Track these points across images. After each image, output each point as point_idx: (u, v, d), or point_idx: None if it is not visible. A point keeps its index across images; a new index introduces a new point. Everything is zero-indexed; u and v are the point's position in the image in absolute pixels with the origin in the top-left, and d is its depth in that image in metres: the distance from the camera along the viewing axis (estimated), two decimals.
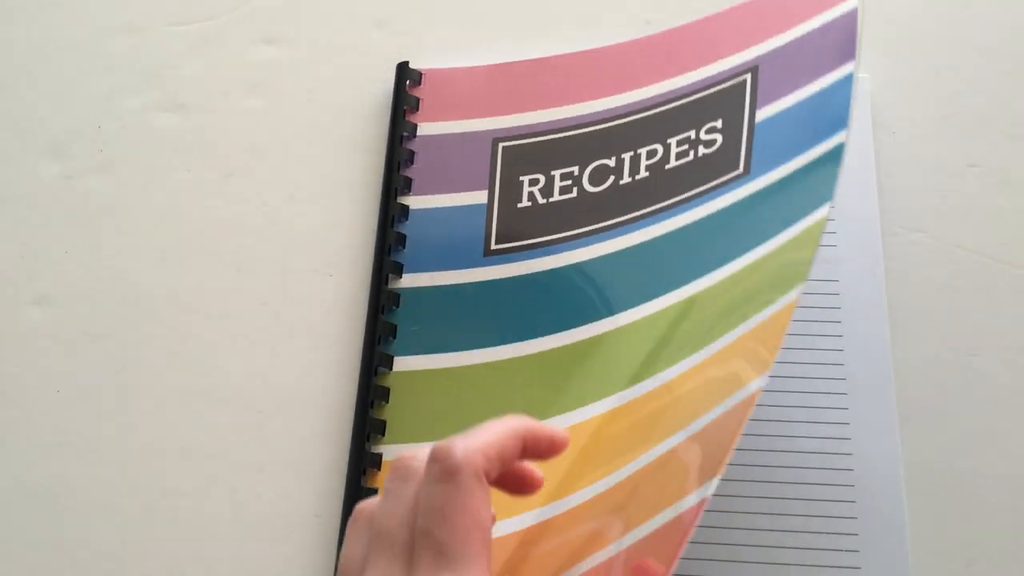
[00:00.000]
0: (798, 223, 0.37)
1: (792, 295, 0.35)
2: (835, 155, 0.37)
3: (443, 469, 0.29)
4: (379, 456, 0.43)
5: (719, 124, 0.45)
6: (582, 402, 0.41)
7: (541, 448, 0.33)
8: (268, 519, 0.43)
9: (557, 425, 0.38)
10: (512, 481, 0.33)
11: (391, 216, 0.47)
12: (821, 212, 0.36)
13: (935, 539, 0.41)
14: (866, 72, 0.49)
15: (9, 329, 0.48)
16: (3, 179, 0.51)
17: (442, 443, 0.29)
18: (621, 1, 0.52)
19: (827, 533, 0.40)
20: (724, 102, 0.45)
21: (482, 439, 0.30)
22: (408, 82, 0.51)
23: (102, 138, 0.52)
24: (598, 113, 0.48)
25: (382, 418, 0.43)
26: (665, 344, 0.41)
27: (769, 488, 0.41)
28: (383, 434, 0.43)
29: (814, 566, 0.40)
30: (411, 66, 0.51)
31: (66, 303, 0.48)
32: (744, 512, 0.41)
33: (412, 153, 0.49)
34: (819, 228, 0.36)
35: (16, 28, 0.55)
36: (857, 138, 0.47)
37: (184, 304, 0.48)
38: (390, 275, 0.46)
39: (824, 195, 0.36)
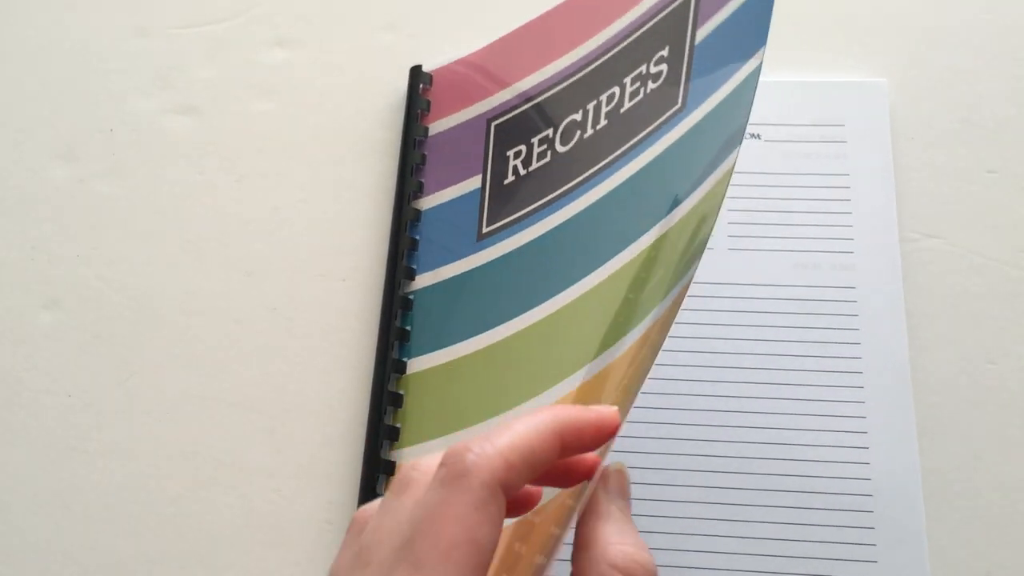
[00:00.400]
0: (711, 176, 0.33)
1: (685, 279, 0.30)
2: (751, 83, 0.33)
3: (448, 472, 0.24)
4: (392, 463, 0.42)
5: (666, 52, 0.40)
6: (576, 368, 0.39)
7: (586, 439, 0.27)
8: (280, 525, 0.43)
9: (568, 390, 0.34)
10: (557, 474, 0.28)
11: (404, 222, 0.47)
12: (730, 160, 0.31)
13: (953, 548, 0.41)
14: (884, 77, 0.48)
15: (19, 333, 0.48)
16: (14, 182, 0.51)
17: (457, 445, 0.25)
18: None
19: (845, 543, 0.40)
20: (672, 24, 0.41)
21: (505, 441, 0.25)
22: (421, 86, 0.50)
23: (113, 141, 0.52)
24: (572, 65, 0.46)
25: (396, 424, 0.43)
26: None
27: (786, 497, 0.41)
28: (397, 440, 0.43)
29: None
30: (424, 69, 0.51)
31: (76, 307, 0.48)
32: (760, 521, 0.41)
33: (424, 156, 0.49)
34: (724, 183, 0.30)
35: (27, 30, 0.55)
36: (874, 142, 0.47)
37: (194, 308, 0.47)
38: (403, 280, 0.46)
39: (735, 140, 0.31)
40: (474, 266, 0.45)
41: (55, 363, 0.47)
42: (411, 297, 0.46)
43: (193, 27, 0.54)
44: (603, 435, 0.28)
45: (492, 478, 0.24)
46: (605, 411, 0.28)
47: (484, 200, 0.46)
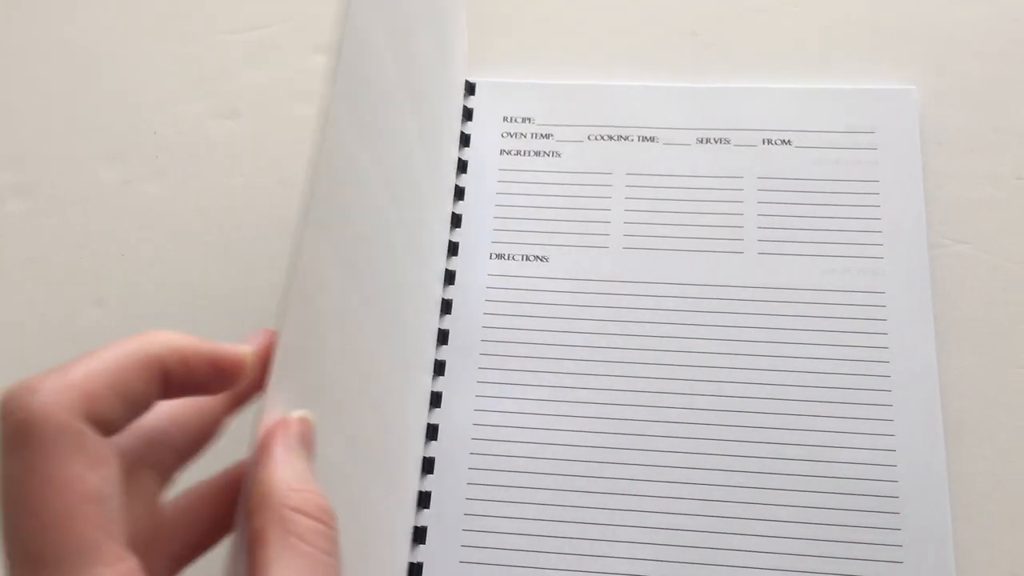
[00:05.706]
0: None
1: None
2: None
3: (14, 428, 0.20)
4: None
5: None
6: None
7: (198, 372, 0.24)
8: None
9: None
10: (194, 382, 0.24)
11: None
12: None
13: (979, 550, 0.41)
14: (914, 83, 0.49)
15: (68, 329, 0.49)
16: (66, 184, 0.53)
17: (17, 385, 0.21)
18: (669, 13, 0.52)
19: (872, 544, 0.41)
20: None
21: (80, 371, 0.21)
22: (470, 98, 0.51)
23: (158, 144, 0.53)
24: None
25: None
26: None
27: (813, 498, 0.42)
28: None
29: None
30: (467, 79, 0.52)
31: (121, 305, 0.50)
32: (788, 521, 0.41)
33: (465, 163, 0.50)
34: None
35: (77, 36, 0.56)
36: (904, 149, 0.47)
37: (239, 307, 0.49)
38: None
39: None
40: None
41: None
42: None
43: (237, 33, 0.55)
44: (222, 372, 0.24)
45: (68, 421, 0.20)
46: (228, 348, 0.25)
47: None
